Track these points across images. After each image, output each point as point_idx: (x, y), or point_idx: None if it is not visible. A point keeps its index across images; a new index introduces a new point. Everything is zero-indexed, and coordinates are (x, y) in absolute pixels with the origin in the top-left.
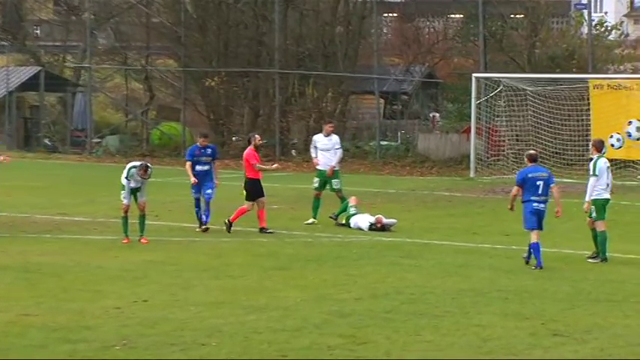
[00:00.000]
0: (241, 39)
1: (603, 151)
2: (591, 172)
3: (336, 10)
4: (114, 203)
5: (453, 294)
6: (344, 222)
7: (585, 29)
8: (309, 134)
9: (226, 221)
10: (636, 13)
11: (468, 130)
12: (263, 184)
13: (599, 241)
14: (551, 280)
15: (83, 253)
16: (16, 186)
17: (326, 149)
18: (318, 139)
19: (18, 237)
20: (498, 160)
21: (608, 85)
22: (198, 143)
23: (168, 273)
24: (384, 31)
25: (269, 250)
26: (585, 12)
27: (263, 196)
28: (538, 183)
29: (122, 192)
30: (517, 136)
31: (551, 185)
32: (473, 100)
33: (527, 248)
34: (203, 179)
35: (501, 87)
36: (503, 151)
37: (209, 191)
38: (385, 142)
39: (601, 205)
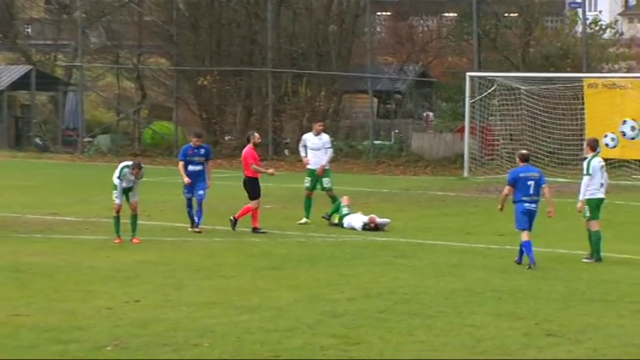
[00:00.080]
0: (234, 37)
1: (598, 150)
2: (585, 172)
3: (329, 9)
4: (106, 203)
5: (446, 294)
6: (337, 221)
7: (580, 28)
8: (302, 133)
9: (231, 218)
10: (631, 12)
11: (462, 130)
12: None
13: (593, 240)
14: (545, 280)
15: (75, 253)
16: (7, 185)
17: (316, 148)
18: (308, 138)
19: (9, 237)
20: (492, 159)
21: (603, 84)
22: (191, 143)
23: (160, 273)
24: (378, 29)
25: (262, 250)
26: (580, 11)
27: (253, 197)
28: (529, 183)
29: (114, 192)
30: (511, 135)
31: (543, 185)
32: (467, 99)
33: (519, 249)
34: (196, 179)
35: (495, 86)
36: (497, 150)
37: (201, 192)
38: (379, 142)
39: (595, 205)
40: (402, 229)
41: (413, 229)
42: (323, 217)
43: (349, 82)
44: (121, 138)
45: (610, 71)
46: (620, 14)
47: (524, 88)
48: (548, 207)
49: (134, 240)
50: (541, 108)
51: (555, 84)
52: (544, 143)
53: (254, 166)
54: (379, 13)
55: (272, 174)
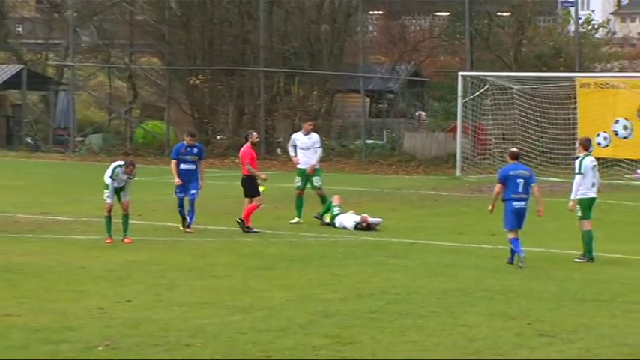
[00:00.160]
0: (226, 37)
1: (590, 149)
2: (576, 170)
3: (321, 8)
4: (97, 203)
5: (438, 294)
6: (329, 221)
7: (572, 27)
8: (294, 133)
9: (238, 220)
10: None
11: (454, 129)
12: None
13: (585, 240)
14: (537, 280)
15: (66, 253)
16: None
17: (306, 148)
18: (298, 137)
19: (0, 237)
20: (485, 158)
21: (595, 84)
22: (184, 142)
23: (152, 273)
24: (370, 29)
25: (254, 249)
26: (572, 10)
27: (251, 196)
28: (518, 181)
29: (105, 191)
30: (503, 134)
31: (532, 185)
32: (459, 98)
33: (510, 249)
34: (188, 179)
35: (488, 85)
36: (490, 149)
37: (193, 192)
38: (371, 141)
39: (586, 205)
40: (395, 229)
41: (405, 228)
42: (315, 217)
43: (341, 81)
44: (113, 137)
45: (602, 71)
46: (612, 13)
47: (516, 87)
48: (537, 206)
49: (126, 240)
50: (533, 107)
51: (548, 83)
52: (536, 143)
53: (248, 166)
54: (371, 12)
55: (264, 179)
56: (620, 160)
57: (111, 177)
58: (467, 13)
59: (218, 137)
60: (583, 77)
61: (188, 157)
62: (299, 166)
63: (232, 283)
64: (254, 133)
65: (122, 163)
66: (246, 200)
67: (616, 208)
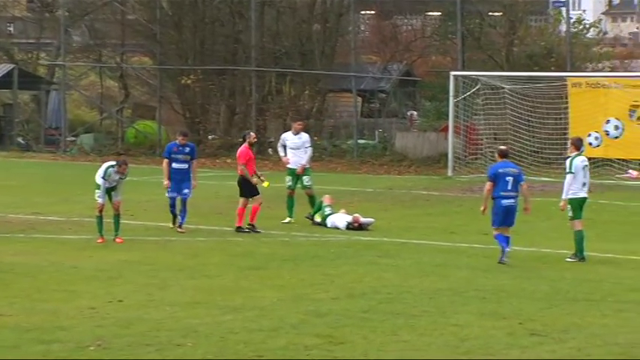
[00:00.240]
0: (217, 36)
1: (582, 149)
2: (567, 170)
3: (313, 8)
4: (88, 202)
5: (430, 293)
6: (320, 221)
7: (564, 27)
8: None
9: (248, 227)
10: (614, 11)
11: (446, 129)
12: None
13: (576, 240)
14: (528, 280)
15: (57, 253)
16: None
17: (296, 147)
18: (288, 137)
19: None
20: (476, 158)
21: (587, 84)
22: (177, 141)
23: (143, 273)
24: (362, 28)
25: (245, 249)
26: (563, 10)
27: (249, 196)
28: (508, 179)
29: (97, 191)
30: (495, 134)
31: (521, 183)
32: (451, 98)
33: (500, 249)
34: (181, 178)
35: (479, 85)
36: (481, 149)
37: (186, 191)
38: (363, 141)
39: (577, 205)
40: (386, 229)
41: (397, 228)
42: (306, 218)
43: (333, 81)
44: (104, 137)
45: (594, 70)
46: (603, 13)
47: (508, 87)
48: (525, 204)
49: (117, 240)
50: (525, 107)
51: (539, 83)
52: (528, 142)
53: (242, 167)
54: (363, 12)
55: (255, 183)
56: (611, 160)
57: (103, 177)
58: (458, 12)
59: (210, 137)
60: (574, 77)
61: (180, 156)
62: (289, 166)
63: (224, 282)
64: (252, 134)
65: (114, 163)
66: (241, 200)
67: (607, 207)
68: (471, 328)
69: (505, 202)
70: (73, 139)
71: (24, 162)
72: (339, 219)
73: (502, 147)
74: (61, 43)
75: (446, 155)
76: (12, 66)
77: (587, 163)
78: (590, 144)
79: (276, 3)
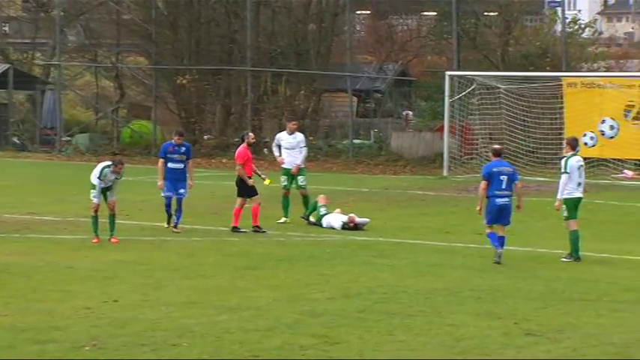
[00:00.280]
0: (213, 36)
1: (577, 149)
2: (562, 169)
3: (308, 8)
4: (84, 202)
5: (425, 293)
6: (314, 220)
7: (559, 27)
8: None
9: (253, 229)
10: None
11: (441, 129)
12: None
13: (572, 240)
14: (524, 280)
15: (53, 253)
16: None
17: (290, 147)
18: (282, 137)
19: None
20: (472, 158)
21: (582, 84)
22: (173, 140)
23: (139, 273)
24: (357, 28)
25: (241, 249)
26: (559, 10)
27: (247, 196)
28: (502, 177)
29: (92, 191)
30: (490, 134)
31: (516, 182)
32: (446, 98)
33: (496, 249)
34: (177, 177)
35: (475, 85)
36: (477, 149)
37: (182, 190)
38: (358, 141)
39: (572, 205)
40: (382, 229)
41: (392, 228)
42: (302, 218)
43: (328, 81)
44: (100, 137)
45: (589, 70)
46: (599, 13)
47: (503, 87)
48: (517, 202)
49: (112, 240)
50: (520, 107)
51: (535, 83)
52: (523, 142)
53: (239, 167)
54: (359, 12)
55: (251, 185)
56: (606, 160)
57: (99, 177)
58: (454, 12)
59: (205, 137)
60: (570, 77)
61: (176, 156)
62: (284, 166)
63: (219, 282)
64: (250, 134)
65: (110, 163)
66: (238, 200)
67: (603, 207)
68: (467, 328)
69: (499, 200)
70: (69, 139)
71: (19, 162)
72: (335, 219)
73: (496, 146)
74: (56, 43)
75: (441, 155)
76: (7, 66)
77: (582, 163)
78: (586, 144)
79: (271, 3)
